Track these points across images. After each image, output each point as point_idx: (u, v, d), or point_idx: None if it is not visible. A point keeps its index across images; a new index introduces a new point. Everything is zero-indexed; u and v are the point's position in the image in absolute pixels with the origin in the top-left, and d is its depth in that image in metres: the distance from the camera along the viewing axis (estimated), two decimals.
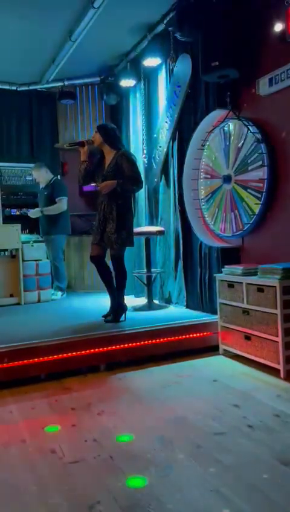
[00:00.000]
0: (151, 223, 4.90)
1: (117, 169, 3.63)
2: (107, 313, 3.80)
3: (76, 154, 4.05)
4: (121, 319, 3.71)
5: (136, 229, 4.58)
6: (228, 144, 3.79)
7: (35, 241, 5.06)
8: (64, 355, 3.12)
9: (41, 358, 3.06)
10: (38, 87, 5.67)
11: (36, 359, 3.05)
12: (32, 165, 5.39)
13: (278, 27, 3.15)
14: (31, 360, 3.03)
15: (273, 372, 2.95)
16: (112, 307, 3.80)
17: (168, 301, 4.54)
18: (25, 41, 4.49)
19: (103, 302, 4.18)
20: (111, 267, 3.79)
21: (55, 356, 3.10)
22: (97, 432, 2.26)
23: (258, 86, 3.42)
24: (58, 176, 5.56)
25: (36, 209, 5.17)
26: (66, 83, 5.59)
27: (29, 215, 5.18)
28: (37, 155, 5.72)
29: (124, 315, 3.76)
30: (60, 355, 3.11)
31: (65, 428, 2.33)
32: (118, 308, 3.75)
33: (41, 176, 5.24)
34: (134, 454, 2.02)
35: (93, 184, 4.00)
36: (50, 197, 5.12)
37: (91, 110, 5.90)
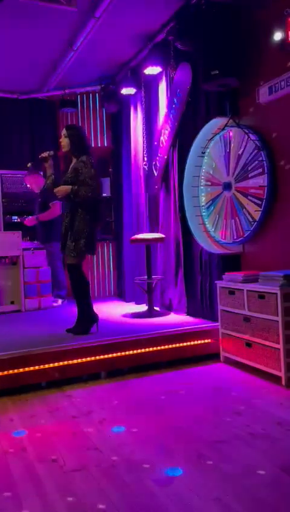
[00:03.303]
0: (151, 230, 4.91)
1: (74, 176, 3.53)
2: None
3: None
4: (92, 331, 3.58)
5: (137, 236, 4.61)
6: (228, 151, 3.80)
7: (36, 248, 5.06)
8: (65, 362, 3.12)
9: (42, 366, 3.05)
10: (39, 95, 5.71)
11: (37, 366, 3.04)
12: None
13: (278, 36, 3.17)
14: (31, 368, 3.03)
15: (275, 379, 2.94)
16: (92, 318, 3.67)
17: (169, 308, 4.53)
18: (26, 49, 4.52)
19: (103, 308, 4.17)
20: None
21: (56, 363, 3.09)
22: (98, 440, 2.25)
23: (258, 94, 3.44)
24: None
25: (32, 216, 5.18)
26: (67, 91, 5.62)
27: (25, 223, 5.18)
28: (38, 163, 5.73)
29: (96, 325, 3.62)
30: (61, 363, 3.10)
31: (66, 437, 2.32)
32: (82, 320, 3.61)
33: (34, 183, 5.24)
34: (135, 462, 2.01)
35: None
36: (44, 203, 5.12)
37: (92, 118, 5.93)
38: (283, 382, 2.88)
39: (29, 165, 3.66)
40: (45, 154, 3.72)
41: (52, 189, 3.65)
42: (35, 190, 5.29)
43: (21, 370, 3.00)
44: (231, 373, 3.23)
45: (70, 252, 3.53)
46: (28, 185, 5.36)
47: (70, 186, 3.51)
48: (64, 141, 3.65)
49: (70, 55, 4.59)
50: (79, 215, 3.53)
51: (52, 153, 3.75)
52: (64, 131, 3.68)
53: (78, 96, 5.86)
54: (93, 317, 3.64)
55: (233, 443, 2.15)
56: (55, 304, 5.09)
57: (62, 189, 3.54)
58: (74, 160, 3.66)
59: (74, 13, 3.80)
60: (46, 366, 3.06)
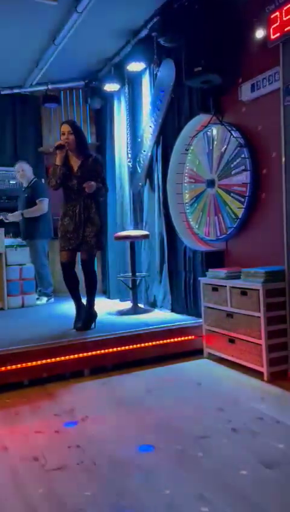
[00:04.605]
0: (136, 227, 4.90)
1: (91, 173, 3.57)
2: (77, 320, 3.68)
3: None
4: (92, 327, 3.61)
5: (121, 233, 4.60)
6: (211, 148, 3.82)
7: (18, 245, 5.00)
8: (48, 360, 3.09)
9: (24, 364, 3.02)
10: (21, 90, 5.64)
11: (19, 365, 3.01)
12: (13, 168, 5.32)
13: (260, 33, 3.19)
14: (13, 366, 2.99)
15: (257, 374, 2.97)
16: (80, 314, 3.69)
17: (153, 305, 4.54)
18: (8, 44, 4.45)
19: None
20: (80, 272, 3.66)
21: (38, 362, 3.06)
22: (80, 437, 2.24)
23: (240, 91, 3.45)
24: (43, 180, 5.51)
25: (16, 212, 5.07)
26: (50, 86, 5.55)
27: (9, 219, 5.05)
28: (21, 159, 5.66)
29: (94, 322, 3.66)
30: (44, 361, 3.08)
31: (48, 435, 2.30)
32: (90, 316, 3.64)
33: (26, 173, 5.14)
34: (117, 459, 2.01)
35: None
36: (30, 199, 5.05)
37: (76, 114, 5.88)
38: (265, 377, 2.91)
39: (51, 149, 3.62)
40: (63, 143, 3.58)
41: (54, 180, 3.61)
42: (24, 183, 5.17)
43: (3, 369, 2.96)
44: (215, 369, 3.25)
45: (92, 246, 3.55)
46: (22, 172, 5.15)
47: (95, 183, 3.52)
48: (70, 138, 3.58)
49: (52, 50, 4.54)
50: (95, 210, 3.60)
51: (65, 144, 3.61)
52: (68, 128, 3.59)
53: (62, 92, 5.80)
54: (96, 314, 3.70)
55: (215, 438, 2.16)
56: (39, 302, 5.05)
57: (93, 183, 3.51)
58: (79, 158, 3.62)
59: (56, 7, 3.76)
60: (29, 364, 3.03)
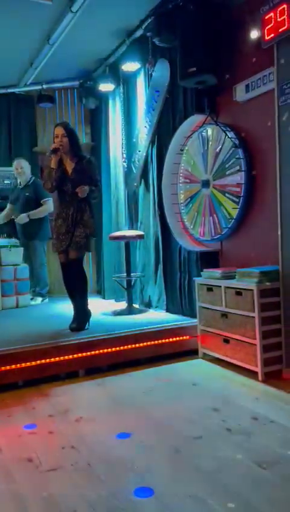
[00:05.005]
0: (131, 227, 4.89)
1: (85, 176, 3.59)
2: (73, 321, 3.67)
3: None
4: (86, 327, 3.60)
5: (116, 233, 4.59)
6: (206, 148, 3.82)
7: (13, 246, 4.98)
8: (43, 361, 3.08)
9: (18, 365, 3.01)
10: (16, 90, 5.62)
11: (13, 365, 3.00)
12: (10, 168, 5.28)
13: (254, 34, 3.20)
14: (8, 367, 2.98)
15: (252, 374, 2.98)
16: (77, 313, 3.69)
17: (148, 305, 4.54)
18: (2, 43, 4.44)
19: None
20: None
21: (33, 362, 3.05)
22: (75, 438, 2.24)
23: (235, 92, 3.46)
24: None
25: (23, 214, 4.99)
26: (45, 86, 5.54)
27: (17, 221, 5.01)
28: (18, 156, 5.63)
29: (88, 322, 3.66)
30: (38, 361, 3.07)
31: (42, 436, 2.29)
32: (83, 316, 3.64)
33: (24, 171, 5.09)
34: (112, 460, 2.00)
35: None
36: (33, 199, 5.02)
37: (70, 114, 5.87)
38: (260, 377, 2.92)
39: (48, 154, 3.60)
40: (58, 146, 3.56)
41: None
42: (22, 182, 5.11)
43: None
44: (209, 369, 3.26)
45: (81, 246, 3.57)
46: (21, 170, 5.08)
47: (88, 187, 3.54)
48: (64, 140, 3.58)
49: (47, 50, 4.53)
50: (88, 213, 3.62)
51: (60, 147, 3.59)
52: (62, 131, 3.59)
53: (56, 92, 5.79)
54: (89, 313, 3.70)
55: (210, 438, 2.16)
56: (33, 303, 5.03)
57: (85, 188, 3.53)
58: (73, 160, 3.62)
59: (51, 7, 3.75)
60: (23, 365, 3.02)
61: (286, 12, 2.78)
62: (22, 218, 5.00)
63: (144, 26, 4.13)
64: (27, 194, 5.05)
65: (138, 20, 4.15)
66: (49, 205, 5.00)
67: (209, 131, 3.76)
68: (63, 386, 3.03)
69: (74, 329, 3.55)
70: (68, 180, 3.60)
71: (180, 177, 4.13)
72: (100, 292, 5.57)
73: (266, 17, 2.92)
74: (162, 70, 4.17)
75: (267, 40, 2.95)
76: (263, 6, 2.96)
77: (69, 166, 3.64)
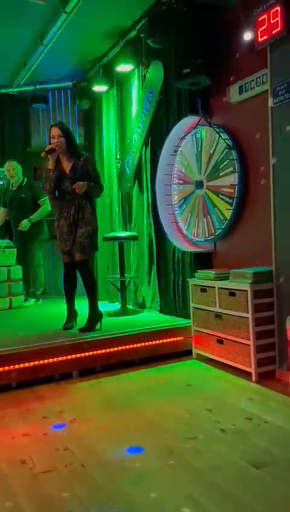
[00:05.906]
0: (124, 228, 4.89)
1: (83, 173, 3.58)
2: (67, 322, 3.68)
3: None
4: (97, 328, 3.60)
5: (109, 234, 4.59)
6: (199, 150, 3.83)
7: (6, 247, 4.95)
8: (36, 362, 3.07)
9: (12, 366, 3.00)
10: (9, 90, 5.59)
11: (7, 367, 2.98)
12: (2, 169, 5.26)
13: (248, 36, 3.21)
14: (1, 368, 2.96)
15: (245, 375, 2.98)
16: (70, 316, 3.71)
17: (142, 306, 4.53)
18: None
19: (76, 307, 4.12)
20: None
21: (27, 364, 3.04)
22: (69, 440, 2.23)
23: (229, 93, 3.47)
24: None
25: (24, 220, 4.93)
26: (38, 86, 5.53)
27: (21, 229, 4.95)
28: (10, 158, 5.61)
29: (100, 323, 3.65)
30: (32, 363, 3.06)
31: (36, 438, 2.28)
32: (94, 317, 3.63)
33: (16, 173, 5.05)
34: (106, 461, 2.00)
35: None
36: (30, 200, 4.99)
37: (64, 114, 5.85)
38: (253, 378, 2.92)
39: (42, 154, 3.55)
40: (54, 146, 3.56)
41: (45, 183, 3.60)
42: (15, 183, 5.07)
43: None
44: (203, 369, 3.26)
45: (85, 247, 3.54)
46: (13, 172, 5.04)
47: (86, 182, 3.52)
48: (60, 141, 3.57)
49: (40, 50, 4.51)
50: (90, 211, 3.60)
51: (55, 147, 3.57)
52: (58, 131, 3.58)
53: (50, 92, 5.77)
54: (101, 314, 3.68)
55: (204, 439, 2.16)
56: (27, 304, 5.00)
57: (83, 184, 3.50)
58: (70, 159, 3.61)
59: (44, 7, 3.74)
60: (17, 366, 3.01)
61: (279, 14, 2.80)
62: (26, 225, 4.95)
63: (137, 27, 4.13)
64: (23, 195, 5.03)
65: (132, 21, 4.15)
66: (46, 205, 4.98)
67: (203, 133, 3.77)
68: (57, 387, 3.02)
69: (83, 330, 3.53)
70: (66, 179, 3.60)
71: (174, 178, 4.14)
72: None
73: (259, 19, 2.94)
74: (155, 71, 4.17)
75: (261, 42, 2.96)
76: (256, 8, 2.97)
77: (67, 166, 3.64)
